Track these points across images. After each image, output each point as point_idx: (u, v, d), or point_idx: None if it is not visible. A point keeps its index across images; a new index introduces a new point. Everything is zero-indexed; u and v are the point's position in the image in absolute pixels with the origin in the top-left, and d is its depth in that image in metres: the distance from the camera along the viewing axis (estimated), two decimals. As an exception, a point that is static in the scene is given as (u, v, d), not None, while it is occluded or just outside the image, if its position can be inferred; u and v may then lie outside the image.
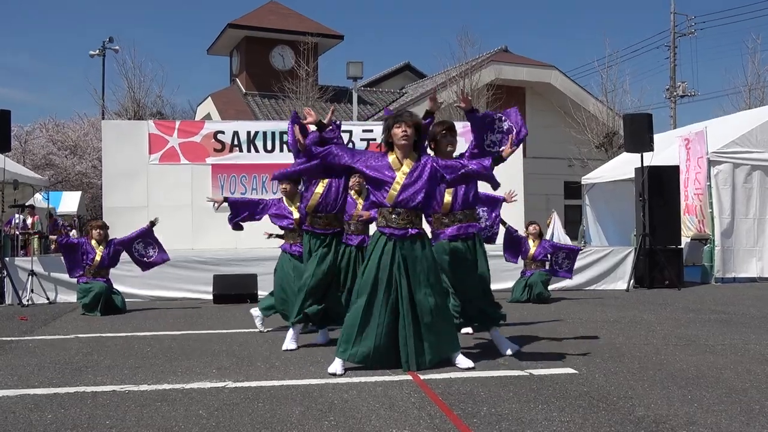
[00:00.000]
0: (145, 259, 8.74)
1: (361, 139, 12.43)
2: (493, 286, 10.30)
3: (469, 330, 5.86)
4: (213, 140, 12.13)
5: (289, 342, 5.49)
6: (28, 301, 9.25)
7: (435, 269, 4.67)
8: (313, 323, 5.65)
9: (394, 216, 4.55)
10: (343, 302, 5.97)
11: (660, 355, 5.02)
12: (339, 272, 6.22)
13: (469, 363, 4.58)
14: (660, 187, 11.33)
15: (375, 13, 71.32)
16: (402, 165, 4.55)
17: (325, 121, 5.17)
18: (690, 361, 4.79)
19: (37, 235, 13.69)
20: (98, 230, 8.56)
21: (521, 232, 9.27)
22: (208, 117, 23.25)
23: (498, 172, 4.63)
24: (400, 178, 4.52)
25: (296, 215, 6.27)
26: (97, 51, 25.96)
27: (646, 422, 3.31)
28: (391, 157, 4.60)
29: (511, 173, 11.47)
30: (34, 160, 26.90)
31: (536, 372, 4.44)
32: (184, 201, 11.92)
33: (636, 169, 11.61)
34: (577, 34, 69.61)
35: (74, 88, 69.73)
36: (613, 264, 10.93)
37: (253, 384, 4.22)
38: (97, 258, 8.44)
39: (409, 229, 4.56)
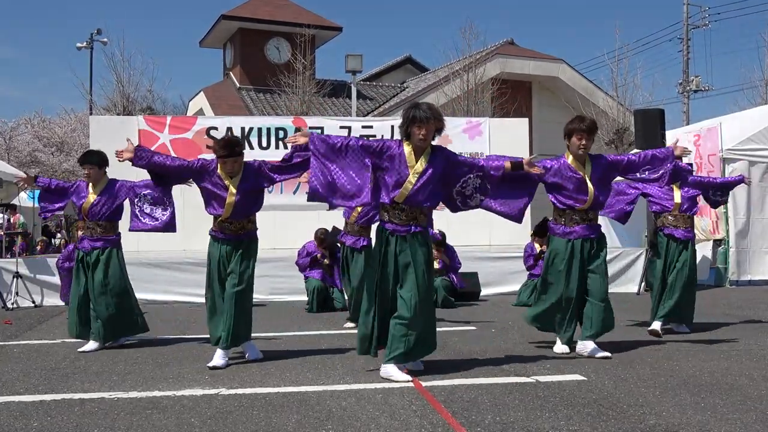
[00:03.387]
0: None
1: (360, 136, 12.18)
2: (500, 289, 10.37)
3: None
4: (206, 136, 11.88)
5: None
6: (12, 304, 8.92)
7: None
8: None
9: (397, 212, 4.60)
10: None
11: (672, 361, 4.94)
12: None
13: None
14: (673, 186, 11.16)
15: (375, 3, 70.45)
16: (416, 163, 4.56)
17: None
18: (703, 367, 4.71)
19: (20, 235, 13.52)
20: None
21: (527, 235, 9.11)
22: (200, 112, 22.59)
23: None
24: (413, 177, 4.53)
25: None
26: (85, 43, 25.28)
27: (658, 431, 3.27)
28: (407, 149, 4.59)
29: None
30: (19, 157, 26.28)
31: (543, 379, 4.38)
32: (175, 200, 11.66)
33: (648, 167, 11.44)
34: (586, 26, 69.05)
35: (60, 82, 69.47)
36: (624, 266, 10.77)
37: (248, 391, 4.18)
38: None
39: (412, 227, 4.58)
